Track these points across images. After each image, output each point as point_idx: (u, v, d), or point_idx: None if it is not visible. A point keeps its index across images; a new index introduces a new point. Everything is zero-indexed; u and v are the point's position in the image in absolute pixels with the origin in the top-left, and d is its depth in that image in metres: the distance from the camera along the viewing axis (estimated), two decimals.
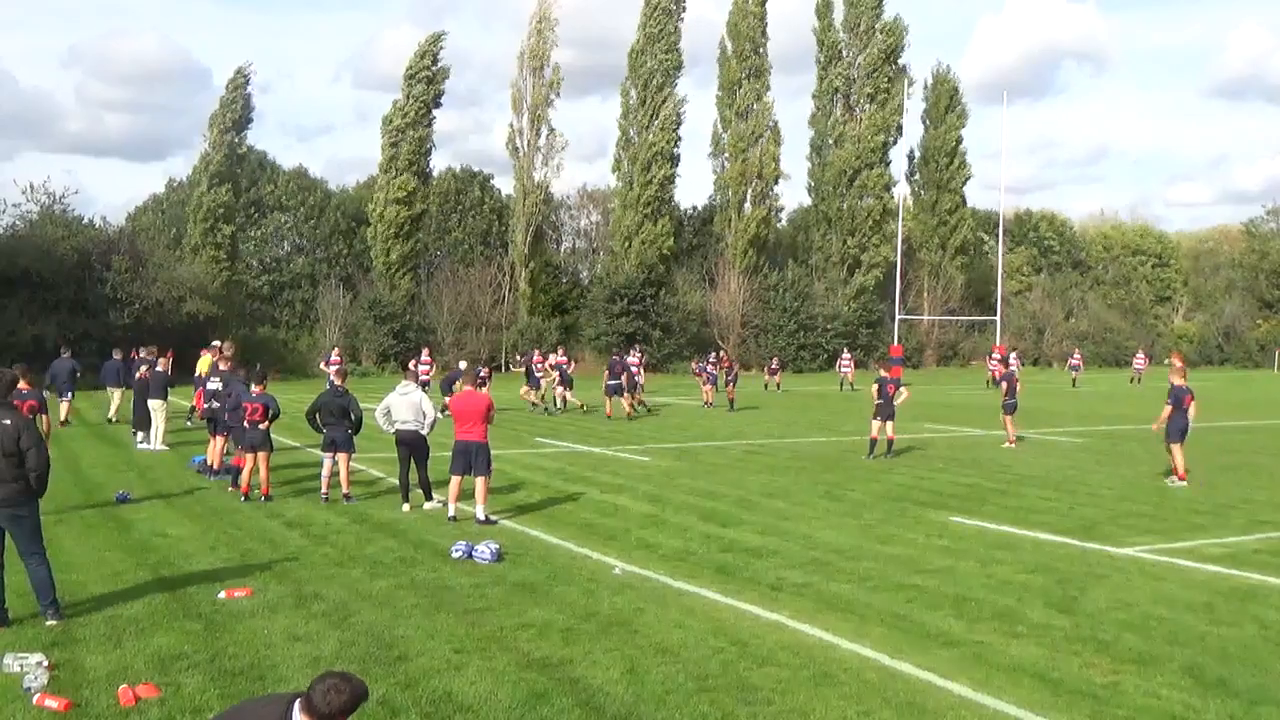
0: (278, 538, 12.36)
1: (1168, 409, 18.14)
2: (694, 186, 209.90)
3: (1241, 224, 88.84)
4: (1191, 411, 18.24)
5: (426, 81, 55.45)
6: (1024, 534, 13.11)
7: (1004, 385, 23.90)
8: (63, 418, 24.67)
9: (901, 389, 21.50)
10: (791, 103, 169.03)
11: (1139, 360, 56.51)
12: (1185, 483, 17.38)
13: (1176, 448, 17.76)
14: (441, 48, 55.94)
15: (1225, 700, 7.30)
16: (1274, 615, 9.42)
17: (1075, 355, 54.47)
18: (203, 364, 28.13)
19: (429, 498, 14.58)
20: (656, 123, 57.96)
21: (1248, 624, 9.16)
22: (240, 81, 51.75)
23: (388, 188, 54.95)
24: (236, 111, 51.66)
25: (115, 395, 26.78)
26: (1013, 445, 22.50)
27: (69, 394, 25.49)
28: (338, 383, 15.35)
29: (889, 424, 20.83)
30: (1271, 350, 77.18)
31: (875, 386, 21.26)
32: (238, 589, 9.70)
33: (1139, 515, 14.51)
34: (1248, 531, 13.38)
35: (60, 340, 33.50)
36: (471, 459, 13.59)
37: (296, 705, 4.53)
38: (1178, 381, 18.46)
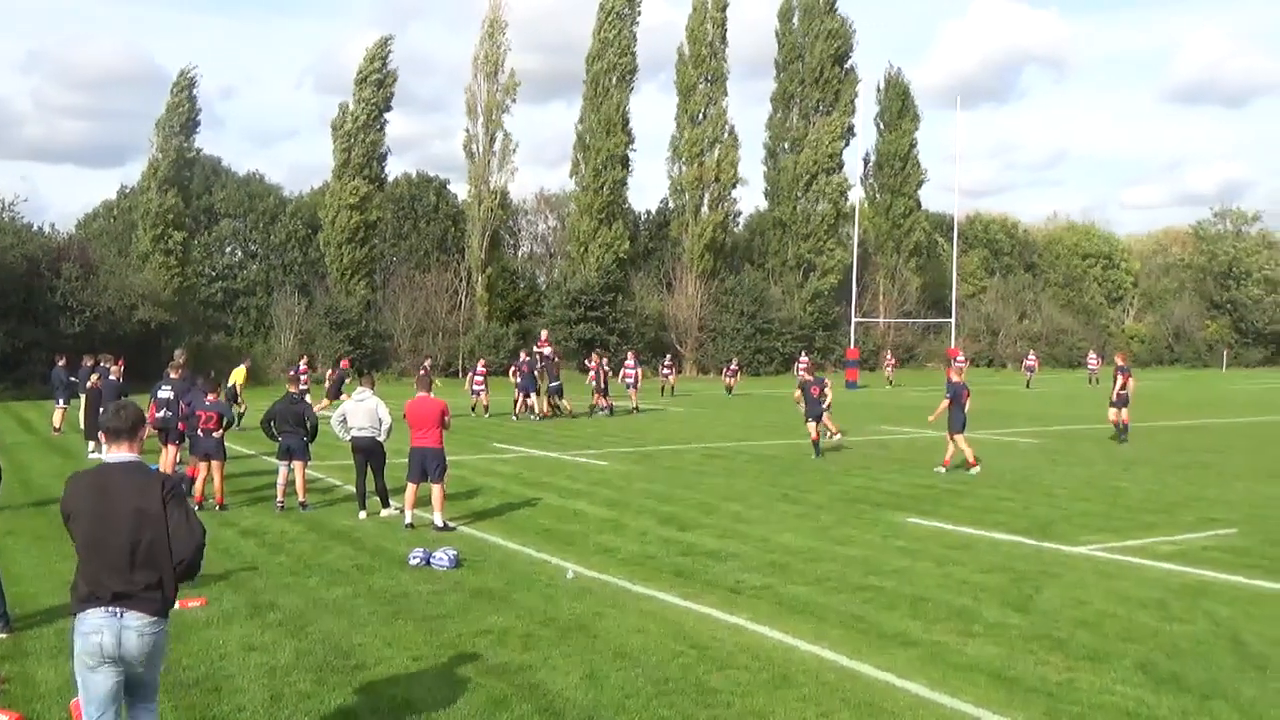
0: (233, 547, 12.24)
1: (944, 403, 19.50)
2: (656, 190, 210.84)
3: (1190, 225, 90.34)
4: (968, 406, 19.66)
5: (377, 85, 55.15)
6: (980, 534, 13.22)
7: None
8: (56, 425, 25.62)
9: (826, 390, 22.00)
10: (757, 108, 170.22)
11: (1092, 360, 57.29)
12: (978, 468, 18.82)
13: (960, 439, 19.13)
14: (390, 51, 55.68)
15: (1178, 696, 7.40)
16: (1224, 611, 9.56)
17: (1030, 356, 54.94)
18: (237, 375, 28.18)
19: (386, 504, 14.49)
20: (609, 127, 58.02)
21: (1199, 620, 9.29)
22: (185, 84, 51.00)
23: (340, 193, 54.60)
24: (184, 115, 50.94)
25: (60, 404, 26.30)
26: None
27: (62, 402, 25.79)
28: (293, 389, 15.24)
29: (814, 424, 21.40)
30: (1220, 350, 78.47)
31: (799, 391, 22.01)
32: (192, 599, 9.59)
33: (1092, 514, 14.68)
34: (1198, 529, 13.57)
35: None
36: (426, 465, 13.52)
37: None
38: (955, 379, 19.86)
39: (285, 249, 60.43)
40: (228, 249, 61.42)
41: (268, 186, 63.42)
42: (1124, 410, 24.28)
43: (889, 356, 56.14)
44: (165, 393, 17.01)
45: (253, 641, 8.52)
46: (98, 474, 5.38)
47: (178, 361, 18.37)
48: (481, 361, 34.66)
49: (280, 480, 14.96)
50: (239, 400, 25.87)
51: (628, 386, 34.62)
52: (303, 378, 30.73)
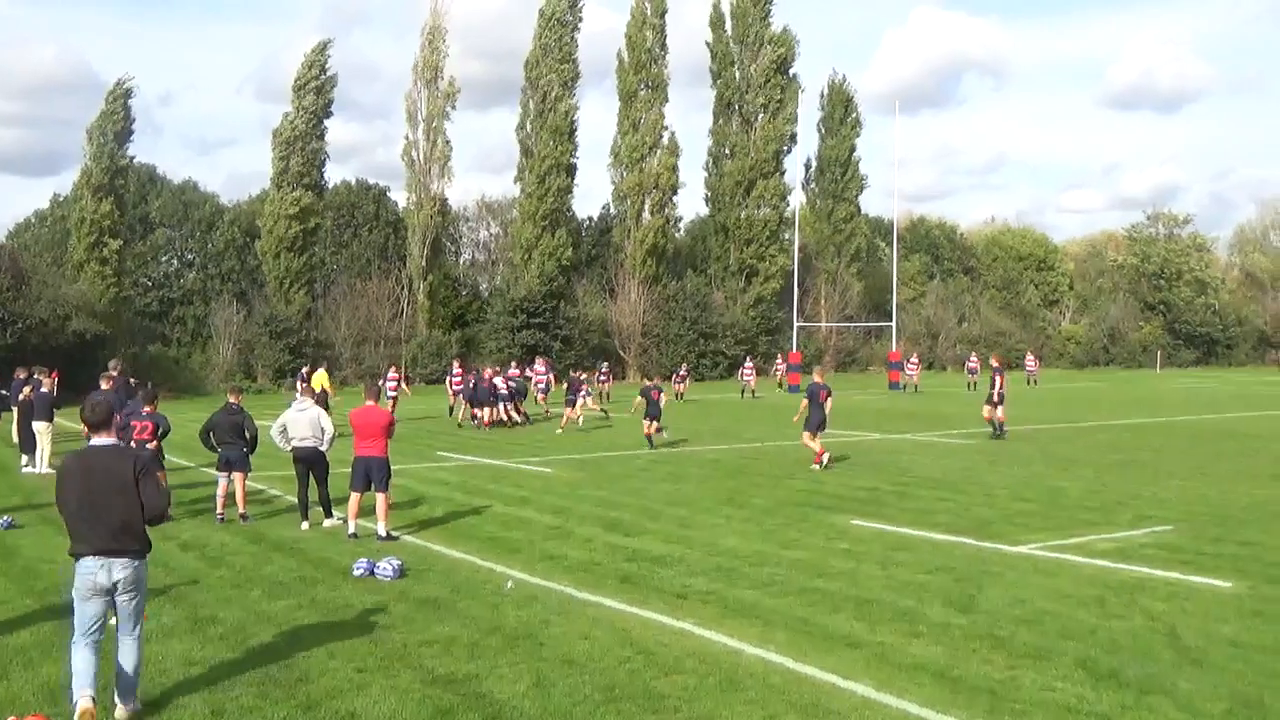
0: (172, 560, 12.04)
1: (805, 403, 20.39)
2: (601, 196, 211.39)
3: (1123, 229, 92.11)
4: (828, 406, 20.53)
5: (315, 92, 54.73)
6: (922, 535, 13.35)
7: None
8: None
9: (661, 395, 24.10)
10: (699, 114, 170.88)
11: (1030, 362, 58.08)
12: (821, 466, 19.68)
13: (808, 435, 20.12)
14: (329, 56, 55.29)
15: (1117, 691, 7.52)
16: (1161, 607, 9.73)
17: (972, 359, 55.12)
18: (320, 379, 27.89)
19: (329, 515, 14.34)
20: (553, 134, 57.97)
21: (1136, 616, 9.45)
22: (120, 93, 50.27)
23: (280, 202, 54.04)
24: (118, 123, 50.16)
25: None
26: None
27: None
28: (233, 400, 15.05)
29: (653, 423, 23.66)
30: (1154, 351, 79.97)
31: (639, 396, 24.39)
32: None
33: (1032, 514, 14.88)
34: (1135, 526, 13.81)
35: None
36: (371, 475, 13.42)
37: None
38: (816, 379, 20.95)
39: (223, 257, 59.67)
40: (164, 258, 60.60)
41: (204, 194, 62.60)
42: (999, 409, 25.56)
43: (778, 360, 54.13)
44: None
45: (193, 656, 8.39)
46: (84, 455, 7.14)
47: (110, 372, 18.08)
48: (456, 362, 34.68)
49: (220, 492, 14.75)
50: (329, 407, 25.70)
51: (539, 392, 34.81)
52: (390, 385, 31.84)
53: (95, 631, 6.91)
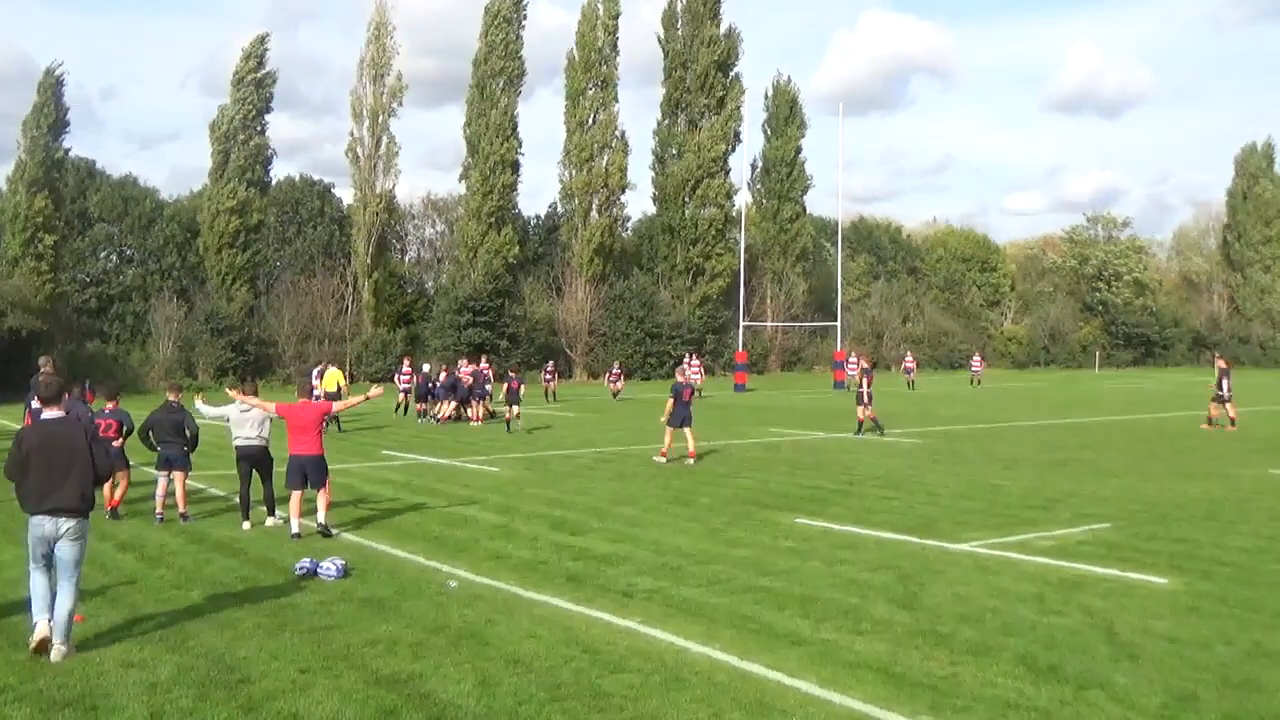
0: (109, 561, 11.84)
1: (670, 401, 21.37)
2: (550, 195, 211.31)
3: (1063, 231, 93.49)
4: (691, 405, 21.63)
5: (255, 85, 54.10)
6: (867, 533, 13.45)
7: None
8: None
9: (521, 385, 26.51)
10: (652, 114, 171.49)
11: (975, 363, 58.79)
12: (665, 459, 20.76)
13: (670, 431, 21.17)
14: (267, 49, 54.74)
15: (1056, 686, 7.62)
16: (1099, 603, 9.88)
17: (908, 358, 55.65)
18: (334, 377, 27.91)
19: (271, 513, 14.19)
20: (497, 131, 57.73)
21: (1075, 612, 9.58)
22: (51, 83, 49.36)
23: (218, 196, 53.35)
24: (51, 115, 49.27)
25: None
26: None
27: None
28: (172, 398, 14.84)
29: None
30: (1092, 351, 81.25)
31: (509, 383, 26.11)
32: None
33: (974, 511, 15.05)
34: (1074, 524, 14.01)
35: None
36: (308, 473, 13.40)
37: None
38: (680, 379, 22.27)
39: (163, 254, 58.61)
40: (103, 254, 59.45)
41: (144, 190, 61.47)
42: (869, 408, 26.64)
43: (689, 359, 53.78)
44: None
45: (131, 658, 8.25)
46: (41, 426, 8.60)
47: (45, 369, 17.70)
48: (406, 360, 34.55)
49: (159, 491, 14.54)
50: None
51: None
52: (403, 379, 33.30)
53: (45, 558, 8.36)
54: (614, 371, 45.37)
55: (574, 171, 61.48)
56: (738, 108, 63.50)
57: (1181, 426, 28.17)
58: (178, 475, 14.43)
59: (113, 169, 62.91)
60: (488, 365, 36.24)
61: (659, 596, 10.20)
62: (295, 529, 13.26)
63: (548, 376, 43.23)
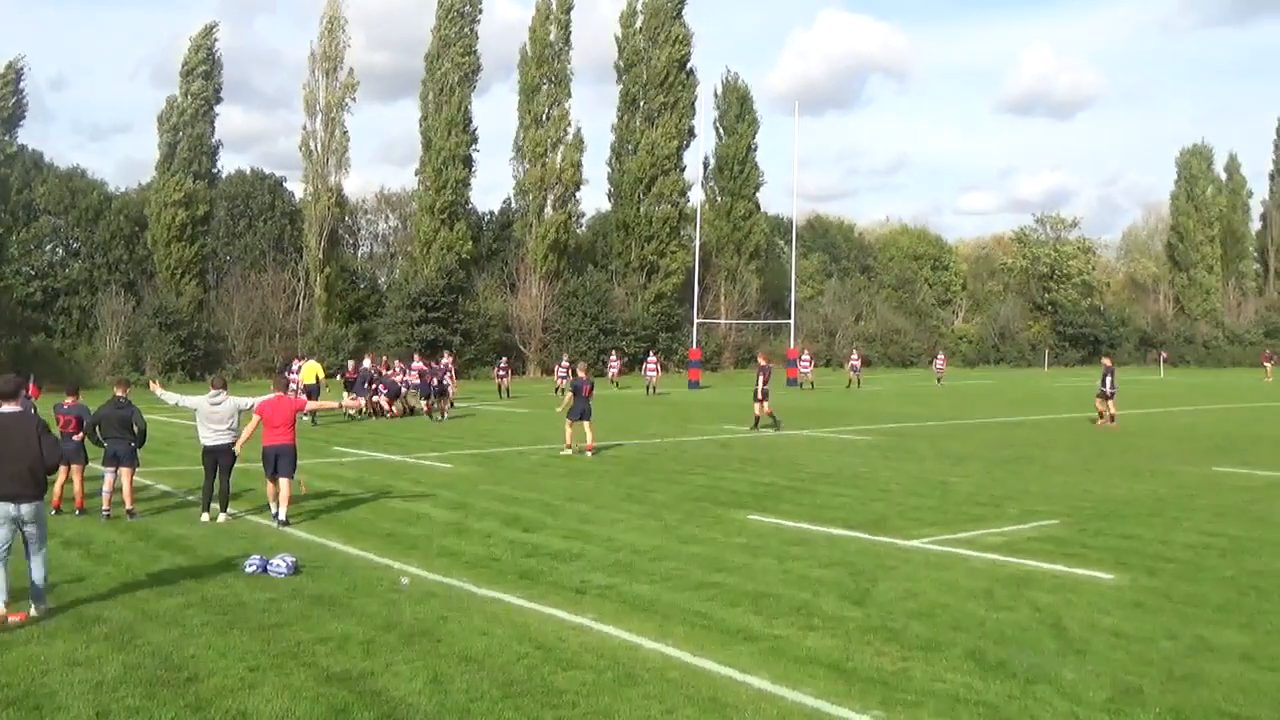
0: (56, 558, 11.60)
1: (569, 396, 22.65)
2: (505, 191, 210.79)
3: (1013, 231, 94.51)
4: (590, 399, 22.42)
5: (204, 77, 53.44)
6: (819, 530, 13.53)
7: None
8: None
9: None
10: (607, 111, 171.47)
11: (939, 361, 59.35)
12: (570, 450, 21.70)
13: (569, 423, 22.08)
14: (216, 40, 54.09)
15: (1004, 681, 7.71)
16: (1046, 599, 10.00)
17: (854, 356, 55.27)
18: (312, 370, 27.82)
19: (224, 509, 14.11)
20: (450, 126, 57.43)
21: (1023, 608, 9.70)
22: (11, 77, 48.58)
23: (165, 189, 52.66)
24: (8, 109, 48.49)
25: None
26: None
27: None
28: (119, 394, 14.63)
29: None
30: (1042, 350, 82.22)
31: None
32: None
33: (924, 508, 15.18)
34: (1022, 521, 14.17)
35: None
36: (278, 460, 13.83)
37: None
38: (581, 375, 23.03)
39: (110, 247, 57.63)
40: (48, 246, 58.38)
41: (92, 182, 60.44)
42: (766, 404, 27.39)
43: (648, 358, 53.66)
44: None
45: (77, 656, 8.13)
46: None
47: None
48: (369, 358, 34.44)
49: (106, 488, 14.33)
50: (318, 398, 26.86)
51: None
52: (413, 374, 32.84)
53: (5, 551, 9.00)
54: (563, 364, 45.09)
55: (528, 167, 61.30)
56: (692, 105, 63.60)
57: (1127, 424, 28.57)
58: (125, 471, 14.23)
59: (60, 160, 61.75)
60: (450, 360, 36.06)
61: (612, 593, 10.20)
62: (276, 512, 13.84)
63: (501, 373, 43.06)
